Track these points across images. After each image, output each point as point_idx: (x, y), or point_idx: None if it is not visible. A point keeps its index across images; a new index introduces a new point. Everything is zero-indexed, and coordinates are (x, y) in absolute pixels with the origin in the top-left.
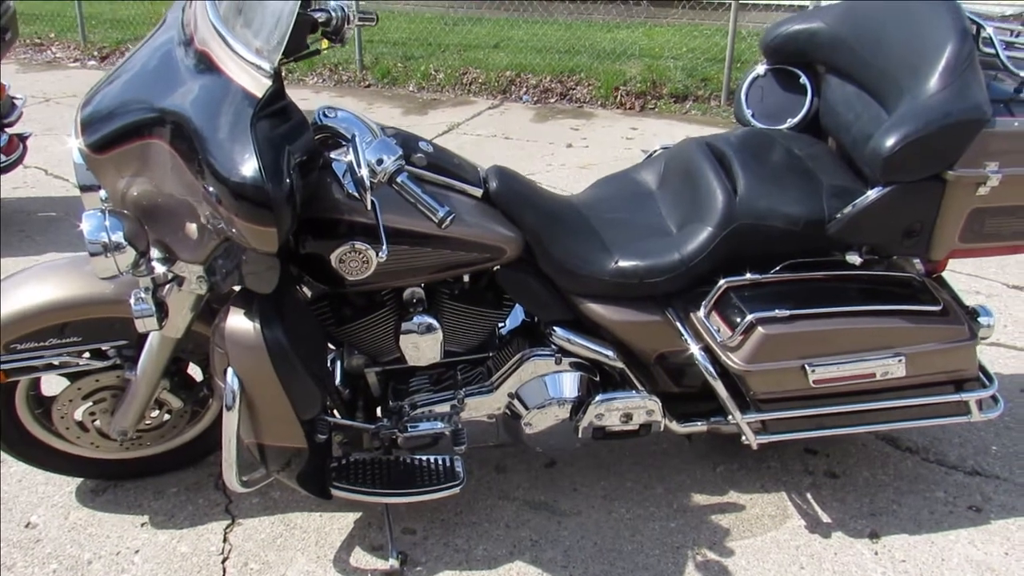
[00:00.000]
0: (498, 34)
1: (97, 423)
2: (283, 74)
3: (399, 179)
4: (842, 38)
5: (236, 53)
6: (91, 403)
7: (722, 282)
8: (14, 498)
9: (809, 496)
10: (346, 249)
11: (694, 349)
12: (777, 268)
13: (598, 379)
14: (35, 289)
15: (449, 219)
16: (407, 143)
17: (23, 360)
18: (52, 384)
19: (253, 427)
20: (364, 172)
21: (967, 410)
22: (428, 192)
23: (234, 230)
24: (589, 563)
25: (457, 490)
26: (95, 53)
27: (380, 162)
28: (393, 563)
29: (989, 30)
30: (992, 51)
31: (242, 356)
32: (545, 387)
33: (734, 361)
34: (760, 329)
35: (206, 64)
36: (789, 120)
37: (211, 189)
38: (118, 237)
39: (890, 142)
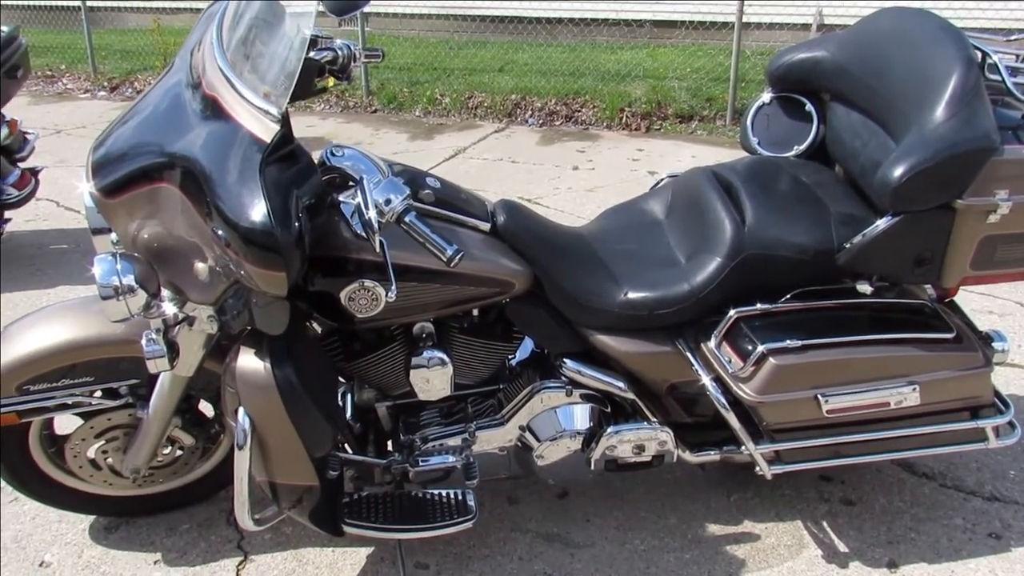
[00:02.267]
0: (503, 57)
1: (110, 461)
2: (289, 113)
3: (407, 219)
4: (846, 67)
5: (244, 98)
6: (104, 441)
7: (732, 312)
8: (28, 536)
9: (825, 524)
10: (355, 287)
11: (705, 380)
12: (787, 297)
13: (609, 410)
14: (46, 331)
15: (458, 257)
16: (415, 180)
17: (36, 401)
18: (65, 423)
19: (265, 465)
20: (372, 213)
21: (984, 437)
22: (436, 231)
23: (243, 273)
24: None
25: (470, 524)
26: (105, 84)
27: (388, 202)
28: None
29: (994, 57)
30: (998, 78)
31: (253, 396)
32: (556, 419)
33: (746, 392)
34: (772, 360)
35: (214, 109)
36: (796, 148)
37: (220, 233)
38: (129, 280)
39: (898, 172)
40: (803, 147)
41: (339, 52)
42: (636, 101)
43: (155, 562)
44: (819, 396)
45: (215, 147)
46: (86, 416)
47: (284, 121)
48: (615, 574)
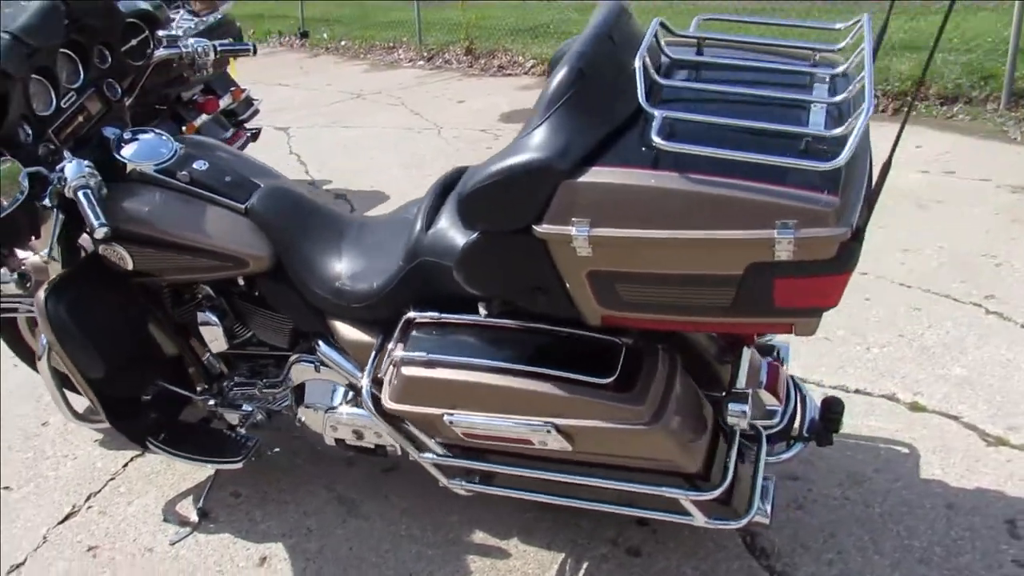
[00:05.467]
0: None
1: None
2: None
3: (79, 194)
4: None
5: None
6: None
7: (410, 314)
8: (48, 401)
9: (583, 566)
10: (104, 247)
11: (364, 381)
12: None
13: None
14: None
15: (102, 231)
16: (185, 161)
17: None
18: None
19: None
20: None
21: (685, 509)
22: (95, 208)
23: None
24: (329, 565)
25: (237, 465)
26: (424, 54)
27: (64, 179)
28: (193, 517)
29: (637, 63)
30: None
31: (40, 321)
32: (310, 391)
33: (384, 397)
34: (402, 369)
35: None
36: None
37: None
38: None
39: (465, 187)
40: None
41: (183, 50)
42: (891, 77)
43: (96, 441)
44: (446, 416)
45: None
46: None
47: None
48: (356, 549)
